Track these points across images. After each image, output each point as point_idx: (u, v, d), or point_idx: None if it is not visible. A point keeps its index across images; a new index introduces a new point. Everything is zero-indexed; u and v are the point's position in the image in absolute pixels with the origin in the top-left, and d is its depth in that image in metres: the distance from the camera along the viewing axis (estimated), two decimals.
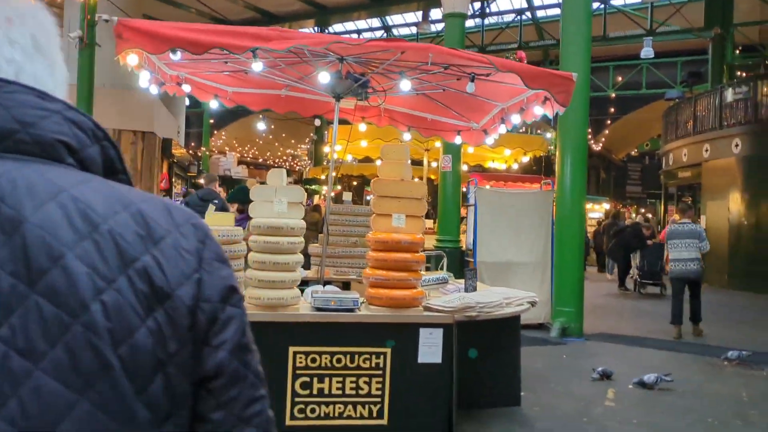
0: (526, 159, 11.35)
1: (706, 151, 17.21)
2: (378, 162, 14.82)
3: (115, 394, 0.71)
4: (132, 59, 4.78)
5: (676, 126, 19.44)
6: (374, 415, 4.30)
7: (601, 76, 23.56)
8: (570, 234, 8.25)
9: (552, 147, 13.26)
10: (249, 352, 0.86)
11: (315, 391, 4.22)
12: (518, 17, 22.37)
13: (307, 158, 32.57)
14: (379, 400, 4.30)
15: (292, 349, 4.20)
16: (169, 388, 0.76)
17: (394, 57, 5.09)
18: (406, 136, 7.22)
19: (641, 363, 6.69)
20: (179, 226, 0.82)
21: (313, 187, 21.80)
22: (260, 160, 32.94)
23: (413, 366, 4.33)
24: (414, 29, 23.57)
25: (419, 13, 21.46)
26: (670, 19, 19.30)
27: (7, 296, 0.69)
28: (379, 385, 4.30)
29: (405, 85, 4.97)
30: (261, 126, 8.77)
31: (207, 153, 29.34)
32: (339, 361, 4.25)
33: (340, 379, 4.25)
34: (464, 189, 10.97)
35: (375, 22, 24.51)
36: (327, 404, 4.24)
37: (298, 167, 34.23)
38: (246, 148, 32.35)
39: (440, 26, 20.22)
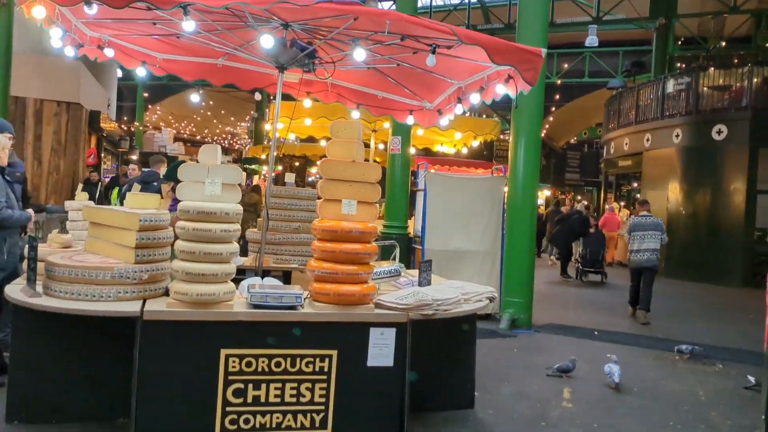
0: (476, 143, 11.01)
1: (647, 140, 17.35)
2: (323, 142, 14.28)
3: None
4: (38, 11, 4.11)
5: (618, 115, 19.57)
6: (317, 424, 3.83)
7: (546, 63, 23.55)
8: (521, 222, 7.94)
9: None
10: None
11: (250, 399, 3.72)
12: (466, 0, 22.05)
13: (247, 137, 31.54)
14: (322, 408, 3.84)
15: (224, 352, 3.68)
16: None
17: (345, 24, 4.56)
18: (355, 115, 6.71)
19: (594, 357, 6.45)
20: None
21: (253, 166, 21.01)
22: (198, 138, 31.69)
23: (362, 370, 3.88)
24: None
25: None
26: (616, 8, 19.35)
27: None
28: (323, 392, 3.83)
29: (359, 54, 4.45)
30: (195, 98, 8.06)
31: (141, 128, 28.03)
32: (278, 365, 3.75)
33: (279, 385, 3.76)
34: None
35: None
36: (263, 414, 3.74)
37: (237, 146, 33.16)
38: (183, 125, 31.05)
39: (387, 5, 19.66)
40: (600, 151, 30.92)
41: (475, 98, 5.34)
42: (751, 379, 5.93)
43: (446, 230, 8.26)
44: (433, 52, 4.32)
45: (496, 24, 21.52)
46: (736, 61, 17.76)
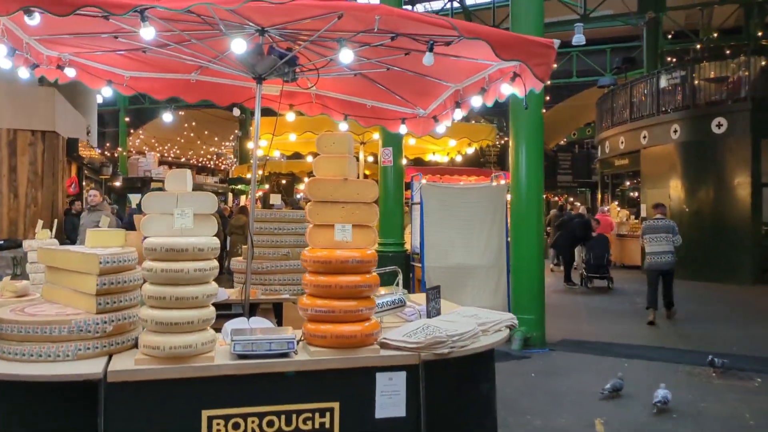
0: (471, 150, 10.49)
1: (644, 137, 16.93)
2: (310, 158, 13.72)
3: None
4: None
5: (611, 113, 19.15)
6: None
7: None
8: (527, 232, 7.42)
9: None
10: None
11: None
12: (448, 4, 21.66)
13: (233, 156, 30.98)
14: None
15: (206, 414, 3.10)
16: None
17: (328, 24, 4.04)
18: (342, 127, 6.18)
19: (622, 377, 5.90)
20: None
21: (240, 186, 20.44)
22: (182, 160, 31.07)
23: (370, 423, 3.31)
24: None
25: None
26: (603, 5, 18.97)
27: None
28: None
29: (346, 56, 3.91)
30: (168, 118, 7.49)
31: (124, 154, 27.43)
32: (271, 424, 3.18)
33: None
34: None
35: None
36: None
37: (223, 166, 32.56)
38: (166, 148, 30.43)
39: None
40: (592, 152, 30.58)
41: (476, 101, 4.82)
42: None
43: (446, 245, 7.74)
44: (431, 50, 3.80)
45: None
46: (728, 52, 17.40)
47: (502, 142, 10.60)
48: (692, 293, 12.46)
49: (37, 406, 3.25)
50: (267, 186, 16.21)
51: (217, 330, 3.37)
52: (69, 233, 11.55)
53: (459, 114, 5.25)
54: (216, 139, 30.59)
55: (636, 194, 30.74)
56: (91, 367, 3.04)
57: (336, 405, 3.26)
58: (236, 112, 6.08)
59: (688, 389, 5.78)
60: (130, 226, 9.86)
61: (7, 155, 12.58)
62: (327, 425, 3.24)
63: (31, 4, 3.24)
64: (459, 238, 7.68)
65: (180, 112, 27.37)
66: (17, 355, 3.10)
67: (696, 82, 15.50)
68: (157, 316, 3.05)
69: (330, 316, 3.31)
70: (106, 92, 5.46)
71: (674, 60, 20.17)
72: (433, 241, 7.61)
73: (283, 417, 3.19)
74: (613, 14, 19.20)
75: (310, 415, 3.23)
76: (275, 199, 6.03)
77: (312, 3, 3.69)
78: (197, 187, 3.63)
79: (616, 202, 23.99)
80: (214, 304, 3.29)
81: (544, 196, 25.90)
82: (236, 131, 26.66)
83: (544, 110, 24.27)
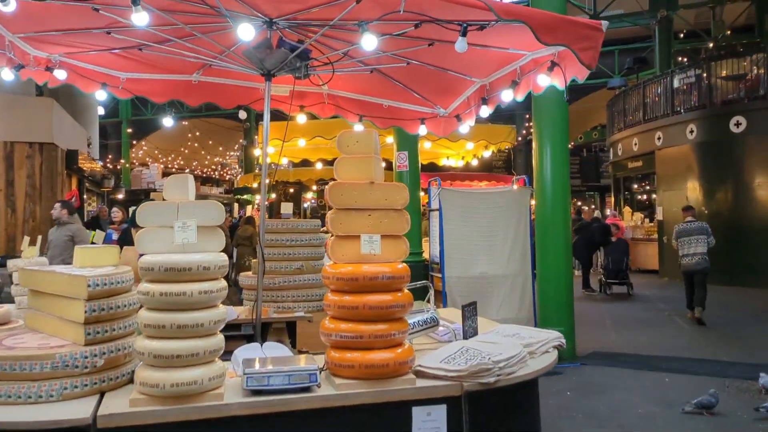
0: (487, 154, 10.02)
1: (659, 138, 16.45)
2: (319, 165, 13.28)
3: None
4: None
5: (624, 115, 18.67)
6: None
7: None
8: (554, 238, 6.95)
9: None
10: None
11: None
12: None
13: (237, 166, 30.61)
14: None
15: None
16: None
17: (344, 11, 3.60)
18: (357, 129, 5.73)
19: (666, 395, 5.41)
20: None
21: (245, 196, 20.00)
22: (186, 170, 30.71)
23: None
24: None
25: None
26: (613, 5, 18.57)
27: None
28: None
29: (369, 42, 3.45)
30: (168, 122, 7.09)
31: (127, 166, 27.08)
32: None
33: None
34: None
35: None
36: None
37: (228, 176, 32.18)
38: (170, 158, 30.07)
39: None
40: (600, 155, 30.10)
41: (506, 95, 4.37)
42: None
43: (467, 253, 7.27)
44: (464, 34, 3.33)
45: None
46: (740, 50, 16.93)
47: (508, 147, 10.17)
48: (715, 298, 11.92)
49: None
50: (274, 195, 15.76)
51: (226, 353, 2.91)
52: None
53: (485, 111, 4.81)
54: (220, 148, 30.22)
55: (645, 197, 30.26)
56: (78, 410, 2.57)
57: None
58: (242, 114, 5.64)
59: (744, 409, 5.26)
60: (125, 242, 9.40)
61: (4, 169, 12.18)
62: None
63: None
64: (481, 245, 7.21)
65: (183, 122, 27.03)
66: None
67: (712, 80, 15.03)
68: (155, 347, 2.59)
69: (357, 342, 2.84)
70: (101, 96, 5.04)
71: (685, 60, 19.72)
72: (453, 250, 7.14)
73: None
74: (623, 14, 18.76)
75: None
76: (286, 207, 5.55)
77: None
78: (201, 198, 3.18)
79: (626, 207, 23.52)
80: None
81: None
82: (241, 140, 26.26)
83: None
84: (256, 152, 14.83)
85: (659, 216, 16.78)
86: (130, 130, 27.92)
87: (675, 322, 9.76)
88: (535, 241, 7.17)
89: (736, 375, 6.24)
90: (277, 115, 5.73)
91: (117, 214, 9.95)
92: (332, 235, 2.99)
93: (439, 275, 7.32)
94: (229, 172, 32.44)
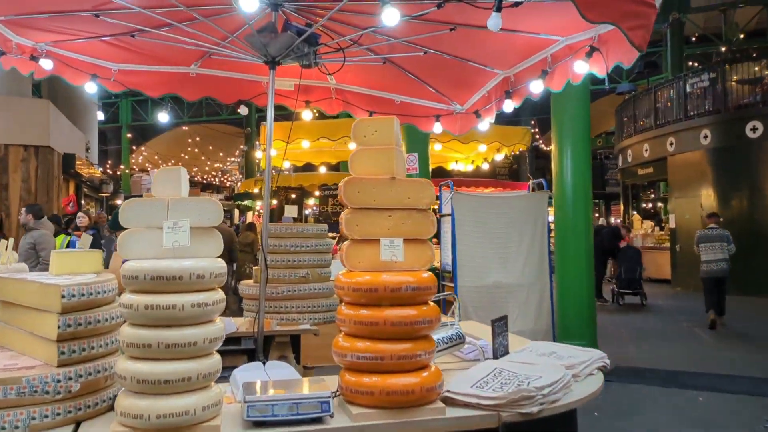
0: (500, 157, 9.60)
1: (671, 144, 16.05)
2: (323, 169, 12.80)
3: None
4: None
5: (633, 120, 18.28)
6: None
7: None
8: (574, 245, 6.55)
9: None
10: None
11: None
12: None
13: (238, 173, 30.23)
14: None
15: None
16: None
17: None
18: None
19: (704, 417, 4.98)
20: None
21: (246, 202, 19.59)
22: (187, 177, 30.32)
23: None
24: None
25: None
26: None
27: None
28: None
29: (390, 16, 3.04)
30: (164, 118, 6.72)
31: (127, 171, 26.73)
32: None
33: None
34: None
35: None
36: None
37: (229, 183, 31.81)
38: (170, 164, 29.70)
39: None
40: (605, 162, 29.70)
41: (536, 86, 3.98)
42: None
43: (481, 261, 6.85)
44: (498, 9, 2.92)
45: None
46: (755, 54, 16.56)
47: (517, 153, 9.72)
48: (733, 308, 11.51)
49: None
50: (275, 201, 15.33)
51: (225, 369, 2.49)
52: None
53: (509, 105, 4.41)
54: (221, 154, 29.84)
55: (650, 205, 29.83)
56: None
57: None
58: (243, 110, 5.25)
59: None
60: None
61: None
62: None
63: None
64: (495, 253, 6.79)
65: (183, 127, 26.68)
66: None
67: (727, 84, 14.65)
68: (139, 371, 2.18)
69: (377, 365, 2.43)
70: (90, 88, 4.64)
71: (696, 64, 19.35)
72: (466, 258, 6.72)
73: None
74: None
75: None
76: (290, 210, 5.15)
77: None
78: None
79: (636, 214, 23.12)
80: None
81: None
82: (242, 146, 25.90)
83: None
84: (258, 154, 14.39)
85: (671, 224, 16.35)
86: (129, 136, 27.59)
87: (695, 334, 9.34)
88: (553, 248, 6.75)
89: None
90: (281, 116, 5.34)
91: (82, 219, 9.30)
92: (347, 240, 2.58)
93: (451, 284, 6.91)
94: (229, 179, 32.06)
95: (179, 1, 3.58)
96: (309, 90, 5.13)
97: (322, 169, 12.02)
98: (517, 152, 9.55)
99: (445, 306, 7.40)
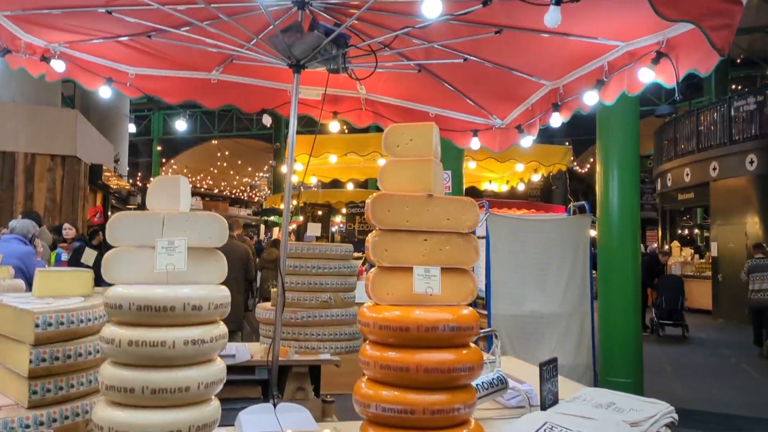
0: (536, 177, 9.15)
1: (714, 169, 15.37)
2: (351, 185, 12.45)
3: None
4: None
5: (674, 144, 17.63)
6: None
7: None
8: (621, 274, 6.07)
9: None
10: None
11: None
12: None
13: (267, 188, 30.12)
14: None
15: None
16: None
17: None
18: None
19: None
20: None
21: (273, 218, 19.35)
22: (215, 191, 30.29)
23: None
24: None
25: None
26: None
27: None
28: None
29: (432, 7, 2.65)
30: (181, 125, 6.46)
31: None
32: None
33: None
34: None
35: None
36: None
37: (257, 198, 31.71)
38: (199, 178, 29.74)
39: None
40: (641, 187, 28.94)
41: (590, 98, 3.55)
42: None
43: (517, 288, 6.39)
44: (558, 3, 2.53)
45: None
46: None
47: (555, 173, 9.23)
48: None
49: None
50: (301, 218, 15.03)
51: (234, 402, 2.10)
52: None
53: (557, 119, 3.99)
54: (250, 169, 29.79)
55: (686, 231, 28.93)
56: None
57: None
58: (267, 120, 4.91)
59: None
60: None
61: (24, 181, 11.71)
62: None
63: None
64: (533, 279, 6.33)
65: (213, 141, 26.69)
66: None
67: None
68: (120, 420, 1.81)
69: (406, 419, 2.01)
70: (105, 92, 4.35)
71: (741, 87, 18.66)
72: (501, 284, 6.27)
73: None
74: None
75: None
76: (313, 229, 4.76)
77: None
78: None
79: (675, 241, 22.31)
80: (230, 367, 2.06)
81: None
82: (270, 161, 25.78)
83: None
84: (284, 169, 14.12)
85: (713, 252, 15.63)
86: (160, 148, 27.69)
87: (745, 371, 8.72)
88: (596, 276, 6.26)
89: None
90: (308, 132, 5.00)
91: (69, 231, 8.72)
92: (374, 267, 2.18)
93: (485, 312, 6.44)
94: (258, 194, 31.97)
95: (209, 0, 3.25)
96: (337, 100, 4.78)
97: (350, 186, 11.66)
98: (556, 172, 9.11)
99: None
